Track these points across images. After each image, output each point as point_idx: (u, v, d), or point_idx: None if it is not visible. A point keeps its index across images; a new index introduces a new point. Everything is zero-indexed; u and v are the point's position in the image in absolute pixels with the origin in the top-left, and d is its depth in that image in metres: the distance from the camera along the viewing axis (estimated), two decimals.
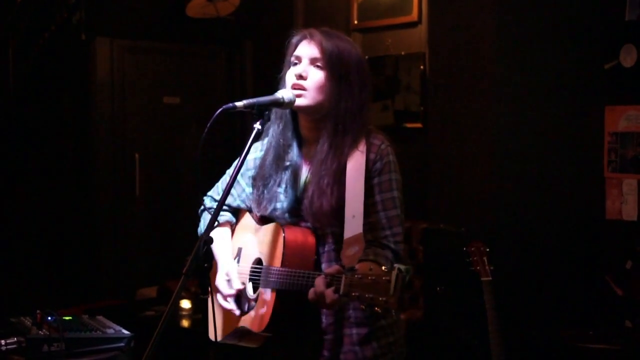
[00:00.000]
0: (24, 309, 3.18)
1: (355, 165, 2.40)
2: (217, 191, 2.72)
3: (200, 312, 4.43)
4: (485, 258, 3.59)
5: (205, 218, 2.65)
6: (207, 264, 2.15)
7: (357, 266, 2.15)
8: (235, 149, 6.15)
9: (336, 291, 2.11)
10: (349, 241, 2.29)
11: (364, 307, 2.01)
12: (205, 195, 2.73)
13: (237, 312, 2.52)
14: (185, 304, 4.68)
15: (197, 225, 2.68)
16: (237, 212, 2.73)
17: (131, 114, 6.05)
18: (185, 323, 4.56)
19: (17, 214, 5.71)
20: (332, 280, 2.15)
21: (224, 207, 2.69)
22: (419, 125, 4.97)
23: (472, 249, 3.63)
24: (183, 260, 2.45)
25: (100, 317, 3.18)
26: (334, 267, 2.22)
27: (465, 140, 4.39)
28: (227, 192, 2.27)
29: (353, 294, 2.04)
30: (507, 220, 4.26)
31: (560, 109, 4.41)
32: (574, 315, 4.24)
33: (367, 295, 1.99)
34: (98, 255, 5.92)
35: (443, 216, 4.45)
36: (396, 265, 1.96)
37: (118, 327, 3.04)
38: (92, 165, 5.93)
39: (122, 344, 2.95)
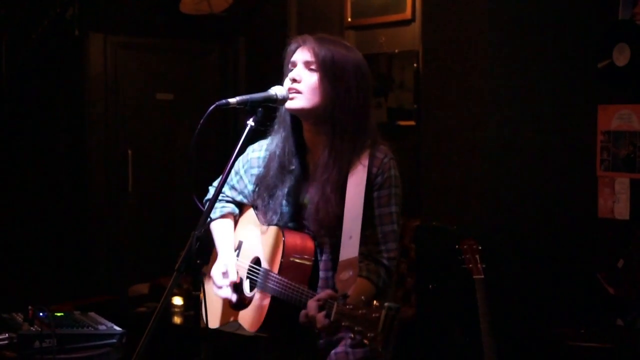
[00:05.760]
0: (15, 304, 3.17)
1: (357, 180, 2.41)
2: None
3: (192, 309, 4.42)
4: (477, 256, 3.59)
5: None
6: (199, 260, 2.15)
7: (349, 292, 2.18)
8: (228, 146, 6.14)
9: (327, 316, 2.13)
10: (344, 265, 2.31)
11: (353, 336, 2.03)
12: (211, 185, 2.76)
13: (234, 299, 2.55)
14: (178, 300, 4.68)
15: (197, 218, 2.70)
16: (240, 205, 2.76)
17: (124, 110, 6.04)
18: (177, 319, 4.56)
19: (9, 209, 5.69)
20: (324, 305, 2.16)
21: (228, 199, 2.73)
22: (412, 123, 4.97)
23: (465, 247, 3.63)
24: (175, 257, 2.46)
25: (92, 314, 3.18)
26: (327, 292, 2.22)
27: (458, 139, 4.39)
28: (220, 187, 2.28)
29: (343, 323, 2.05)
30: (500, 218, 4.27)
31: (553, 107, 4.41)
32: (565, 314, 4.24)
33: (356, 328, 2.01)
34: (90, 251, 5.90)
35: (436, 214, 4.45)
36: (386, 304, 1.97)
37: (110, 324, 3.04)
38: (85, 161, 5.91)
39: (114, 340, 2.95)
